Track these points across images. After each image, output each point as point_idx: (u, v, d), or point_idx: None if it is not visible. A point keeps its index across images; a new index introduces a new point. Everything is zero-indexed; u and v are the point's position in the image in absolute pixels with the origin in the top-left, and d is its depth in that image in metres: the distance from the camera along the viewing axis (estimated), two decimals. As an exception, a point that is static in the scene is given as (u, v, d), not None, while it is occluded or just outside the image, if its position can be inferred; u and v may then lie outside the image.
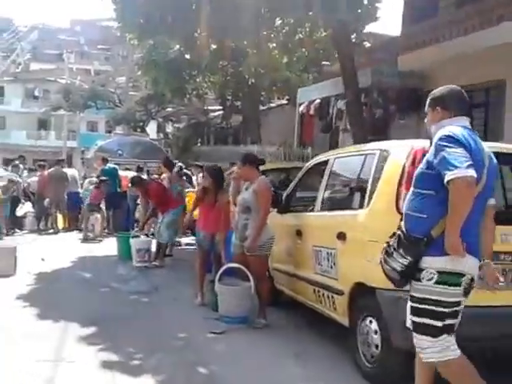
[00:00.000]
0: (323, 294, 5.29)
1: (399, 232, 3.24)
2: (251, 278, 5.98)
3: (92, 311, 6.61)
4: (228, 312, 6.18)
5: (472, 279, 3.20)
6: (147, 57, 20.13)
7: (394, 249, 3.22)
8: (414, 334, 3.30)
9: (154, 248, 9.99)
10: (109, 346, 5.36)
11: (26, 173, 16.04)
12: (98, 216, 13.59)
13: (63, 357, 5.07)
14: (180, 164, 13.89)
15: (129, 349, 5.29)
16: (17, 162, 15.98)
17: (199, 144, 29.13)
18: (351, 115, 11.22)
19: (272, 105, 21.36)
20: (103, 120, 47.89)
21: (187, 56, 15.80)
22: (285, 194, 6.40)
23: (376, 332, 4.45)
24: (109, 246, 11.79)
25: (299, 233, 5.76)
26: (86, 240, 13.03)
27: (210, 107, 28.43)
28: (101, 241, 13.09)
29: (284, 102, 20.38)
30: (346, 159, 5.42)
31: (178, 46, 14.91)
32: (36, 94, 48.87)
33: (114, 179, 14.37)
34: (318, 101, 15.06)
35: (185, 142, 27.73)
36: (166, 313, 6.70)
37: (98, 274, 9.00)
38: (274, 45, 15.21)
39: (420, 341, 3.26)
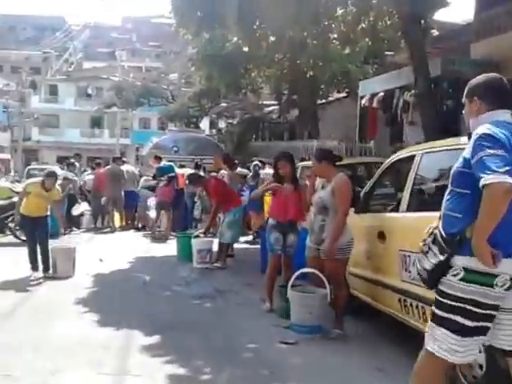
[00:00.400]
0: (411, 304, 4.80)
1: (436, 231, 3.11)
2: (327, 284, 5.54)
3: (154, 317, 6.32)
4: (300, 320, 5.77)
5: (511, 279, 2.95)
6: (202, 51, 19.97)
7: (429, 248, 3.10)
8: (434, 325, 3.08)
9: (215, 248, 9.66)
10: (175, 357, 5.03)
11: (87, 170, 16.09)
12: (167, 214, 13.29)
13: (127, 369, 4.77)
14: (257, 162, 13.57)
15: (197, 361, 4.95)
16: (72, 160, 16.00)
17: (253, 140, 28.82)
18: (422, 107, 10.62)
19: (330, 98, 20.80)
20: (156, 117, 48.38)
21: (245, 49, 15.43)
22: (363, 193, 5.93)
23: (480, 351, 3.93)
24: (167, 246, 11.59)
25: (382, 235, 5.27)
26: (155, 239, 12.83)
27: (264, 102, 28.16)
28: (166, 240, 12.70)
29: (343, 95, 19.81)
30: (436, 154, 4.90)
31: (235, 39, 14.52)
32: (89, 92, 49.74)
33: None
34: (382, 93, 14.50)
35: (239, 137, 27.45)
36: (232, 320, 6.35)
37: (157, 276, 8.74)
38: (335, 35, 14.66)
39: (442, 334, 3.03)
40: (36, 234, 8.50)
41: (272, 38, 13.55)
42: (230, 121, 33.67)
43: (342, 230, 5.40)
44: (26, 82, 39.02)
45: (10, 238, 12.14)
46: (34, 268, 8.54)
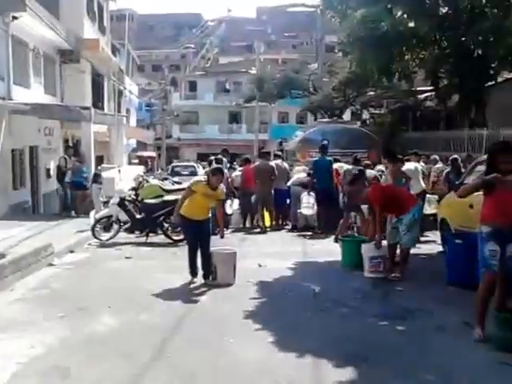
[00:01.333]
0: None
1: None
2: None
3: (338, 342, 5.46)
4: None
5: None
6: (353, 34, 18.83)
7: None
8: None
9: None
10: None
11: (235, 167, 15.74)
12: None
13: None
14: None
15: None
16: (219, 156, 15.66)
17: (406, 130, 27.12)
18: None
19: (500, 79, 18.74)
20: (294, 111, 47.91)
21: (411, 24, 14.02)
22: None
23: None
24: (327, 249, 10.72)
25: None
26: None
27: (418, 88, 26.39)
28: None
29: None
30: None
31: (399, 13, 13.23)
32: (227, 87, 50.43)
33: (327, 173, 13.32)
34: None
35: (391, 128, 25.93)
36: (435, 349, 5.28)
37: (326, 287, 7.86)
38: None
39: None
40: (199, 238, 8.08)
41: (443, 10, 12.13)
42: (376, 111, 32.17)
43: None
44: (168, 79, 40.29)
45: (161, 238, 11.94)
46: (193, 274, 8.11)
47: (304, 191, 13.59)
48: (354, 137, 18.18)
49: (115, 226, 11.92)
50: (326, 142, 14.23)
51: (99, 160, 22.06)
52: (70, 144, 21.14)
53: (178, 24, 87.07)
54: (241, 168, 15.61)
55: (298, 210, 13.52)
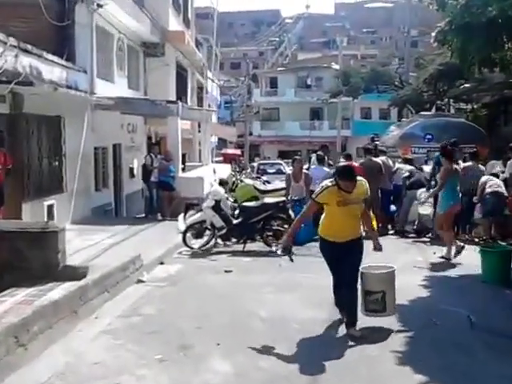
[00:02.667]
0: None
1: None
2: None
3: None
4: None
5: None
6: (456, 20, 16.82)
7: None
8: None
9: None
10: None
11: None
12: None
13: None
14: None
15: None
16: (320, 153, 13.88)
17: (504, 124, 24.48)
18: None
19: None
20: (377, 106, 45.54)
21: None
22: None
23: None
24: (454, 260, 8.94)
25: None
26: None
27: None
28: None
29: None
30: None
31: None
32: (308, 82, 48.55)
33: None
34: None
35: (489, 122, 23.42)
36: None
37: (481, 313, 6.12)
38: None
39: None
40: (344, 266, 5.69)
41: None
42: (467, 106, 29.47)
43: None
44: (249, 75, 38.91)
45: (260, 245, 10.34)
46: (340, 306, 5.92)
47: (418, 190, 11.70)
48: (460, 131, 16.01)
49: (208, 233, 10.41)
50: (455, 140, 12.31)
51: (182, 158, 20.78)
52: (153, 141, 19.96)
53: (257, 21, 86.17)
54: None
55: (418, 211, 11.61)
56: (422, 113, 18.92)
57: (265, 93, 49.47)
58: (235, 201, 11.50)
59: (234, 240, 10.50)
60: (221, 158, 28.48)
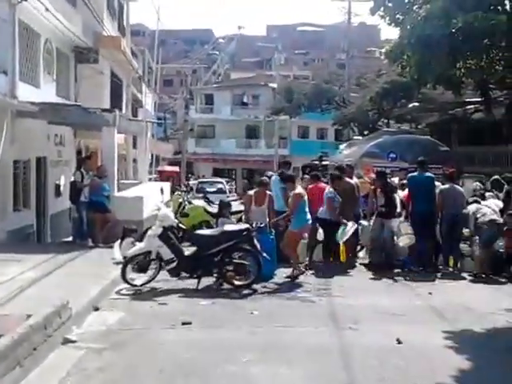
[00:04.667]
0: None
1: None
2: None
3: None
4: None
5: None
6: (417, 33, 15.70)
7: None
8: None
9: None
10: None
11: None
12: None
13: None
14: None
15: None
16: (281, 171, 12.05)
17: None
18: None
19: None
20: (315, 125, 44.59)
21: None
22: None
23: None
24: (458, 301, 7.38)
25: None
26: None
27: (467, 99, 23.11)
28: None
29: None
30: None
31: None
32: (245, 100, 46.97)
33: (429, 193, 9.97)
34: None
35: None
36: None
37: None
38: None
39: None
40: None
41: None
42: (408, 127, 28.75)
43: None
44: (187, 87, 36.84)
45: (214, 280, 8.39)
46: None
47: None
48: (425, 149, 14.69)
49: (154, 266, 8.34)
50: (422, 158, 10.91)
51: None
52: (84, 156, 17.55)
53: (190, 40, 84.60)
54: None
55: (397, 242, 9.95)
56: (385, 129, 17.61)
57: (200, 110, 47.46)
58: (179, 227, 9.43)
59: (184, 274, 8.43)
60: (156, 176, 26.27)
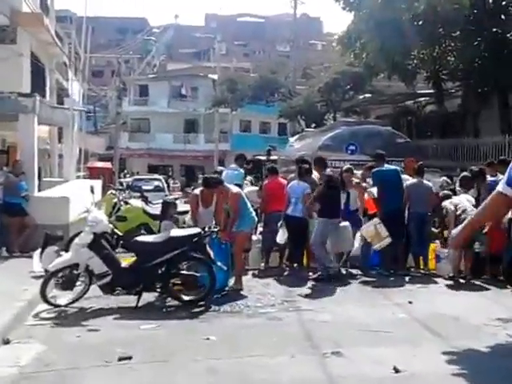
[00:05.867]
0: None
1: None
2: None
3: None
4: None
5: None
6: (377, 17, 15.12)
7: None
8: None
9: None
10: None
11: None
12: None
13: None
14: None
15: None
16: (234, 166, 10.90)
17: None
18: None
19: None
20: (257, 119, 43.67)
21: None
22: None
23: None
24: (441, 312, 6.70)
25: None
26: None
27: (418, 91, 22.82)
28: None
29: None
30: None
31: None
32: (183, 92, 45.42)
33: (396, 190, 9.32)
34: None
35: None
36: None
37: None
38: None
39: None
40: None
41: None
42: (356, 119, 28.35)
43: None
44: (119, 76, 34.96)
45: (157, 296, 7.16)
46: None
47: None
48: (387, 141, 13.92)
49: (82, 281, 7.02)
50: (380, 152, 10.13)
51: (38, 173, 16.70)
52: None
53: (122, 29, 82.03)
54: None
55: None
56: (344, 119, 16.73)
57: (134, 102, 45.52)
58: (113, 232, 8.09)
59: (119, 290, 7.12)
60: (86, 173, 24.51)
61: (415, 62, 18.78)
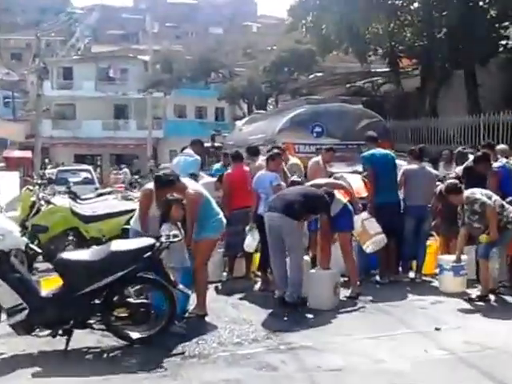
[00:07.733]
0: None
1: None
2: None
3: None
4: None
5: None
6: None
7: None
8: None
9: None
10: None
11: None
12: None
13: None
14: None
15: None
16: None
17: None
18: None
19: None
20: (193, 103, 41.58)
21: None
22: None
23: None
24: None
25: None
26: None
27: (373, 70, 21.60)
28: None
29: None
30: None
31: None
32: (111, 75, 42.58)
33: (392, 178, 7.70)
34: None
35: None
36: None
37: None
38: None
39: None
40: None
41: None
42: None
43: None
44: (40, 57, 32.09)
45: (97, 337, 5.20)
46: None
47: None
48: (357, 122, 12.28)
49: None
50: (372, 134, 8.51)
51: None
52: None
53: (42, 9, 78.09)
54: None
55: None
56: (308, 97, 14.97)
57: (57, 85, 42.26)
58: (30, 248, 6.00)
59: (39, 329, 5.10)
60: (2, 164, 21.83)
61: (369, 36, 17.61)
